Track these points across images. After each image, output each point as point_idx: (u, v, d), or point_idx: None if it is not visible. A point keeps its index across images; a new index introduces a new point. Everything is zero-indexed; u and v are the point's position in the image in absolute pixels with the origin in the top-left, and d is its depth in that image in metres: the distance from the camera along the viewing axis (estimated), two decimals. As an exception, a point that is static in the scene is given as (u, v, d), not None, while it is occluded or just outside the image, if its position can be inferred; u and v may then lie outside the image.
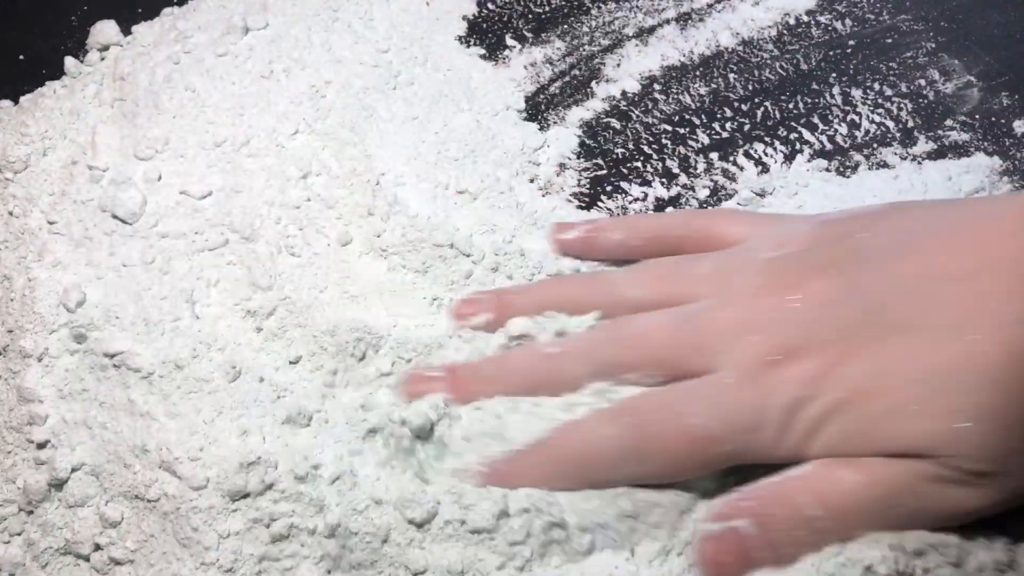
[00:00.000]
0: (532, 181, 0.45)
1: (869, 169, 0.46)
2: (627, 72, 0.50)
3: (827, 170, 0.46)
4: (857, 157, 0.46)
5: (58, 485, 0.37)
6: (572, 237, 0.42)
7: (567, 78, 0.50)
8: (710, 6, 0.52)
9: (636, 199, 0.45)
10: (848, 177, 0.45)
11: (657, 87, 0.49)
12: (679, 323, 0.35)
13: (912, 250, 0.33)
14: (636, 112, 0.48)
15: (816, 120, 0.47)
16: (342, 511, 0.34)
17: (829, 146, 0.46)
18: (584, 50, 0.51)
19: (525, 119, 0.48)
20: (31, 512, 0.37)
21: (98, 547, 0.36)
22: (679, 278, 0.37)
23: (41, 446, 0.37)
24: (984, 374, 0.30)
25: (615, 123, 0.48)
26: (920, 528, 0.32)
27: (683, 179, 0.46)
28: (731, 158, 0.46)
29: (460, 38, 0.50)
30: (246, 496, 0.35)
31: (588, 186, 0.46)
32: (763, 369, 0.33)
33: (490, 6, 0.52)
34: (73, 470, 0.36)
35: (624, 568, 0.33)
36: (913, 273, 0.33)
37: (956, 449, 0.31)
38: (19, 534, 0.37)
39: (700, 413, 0.33)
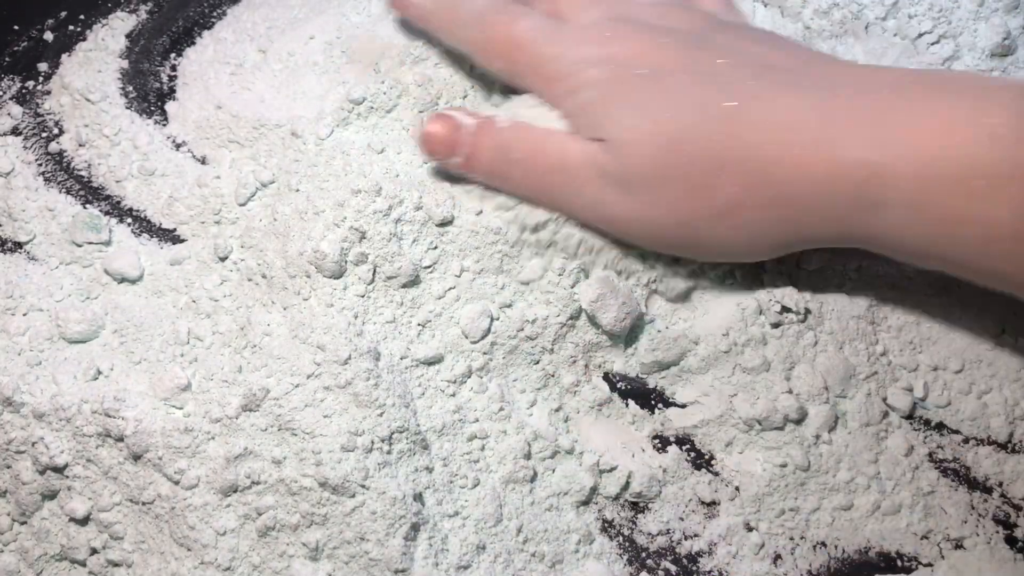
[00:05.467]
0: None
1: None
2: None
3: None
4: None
5: (51, 495, 0.36)
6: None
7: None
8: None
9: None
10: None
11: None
12: None
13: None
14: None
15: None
16: (329, 509, 0.34)
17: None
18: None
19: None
20: (24, 523, 0.37)
21: (94, 551, 0.36)
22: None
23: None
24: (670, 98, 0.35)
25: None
26: (585, 214, 0.38)
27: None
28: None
29: None
30: (236, 490, 0.35)
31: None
32: (599, 19, 0.38)
33: None
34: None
35: None
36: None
37: (623, 152, 0.36)
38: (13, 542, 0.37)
39: (531, 24, 0.38)
